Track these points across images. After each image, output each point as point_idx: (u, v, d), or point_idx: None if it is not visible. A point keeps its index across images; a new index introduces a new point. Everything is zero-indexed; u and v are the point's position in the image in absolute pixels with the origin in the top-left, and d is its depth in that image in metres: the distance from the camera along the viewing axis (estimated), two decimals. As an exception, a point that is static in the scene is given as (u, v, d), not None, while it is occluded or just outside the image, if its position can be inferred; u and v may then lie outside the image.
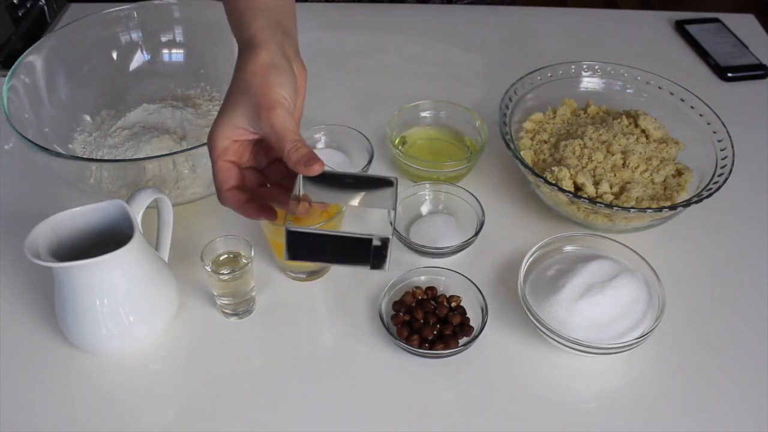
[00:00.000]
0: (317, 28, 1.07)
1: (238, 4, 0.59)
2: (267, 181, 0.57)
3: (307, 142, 0.52)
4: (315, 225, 0.65)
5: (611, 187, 0.74)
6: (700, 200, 0.71)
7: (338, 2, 1.12)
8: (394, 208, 0.57)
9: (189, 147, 0.71)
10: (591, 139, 0.78)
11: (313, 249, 0.53)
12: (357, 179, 0.57)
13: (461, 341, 0.66)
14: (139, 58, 0.90)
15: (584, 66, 0.87)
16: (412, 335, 0.65)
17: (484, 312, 0.67)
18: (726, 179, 0.73)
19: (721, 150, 0.77)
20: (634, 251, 0.69)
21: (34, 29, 1.06)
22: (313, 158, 0.50)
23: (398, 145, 0.84)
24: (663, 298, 0.66)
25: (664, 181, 0.76)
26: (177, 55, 0.91)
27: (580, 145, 0.77)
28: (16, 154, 0.86)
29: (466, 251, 0.75)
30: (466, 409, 0.62)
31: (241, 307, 0.68)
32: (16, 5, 1.04)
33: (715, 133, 0.79)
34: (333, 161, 0.79)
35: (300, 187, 0.56)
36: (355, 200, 0.58)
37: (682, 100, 0.83)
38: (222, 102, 0.55)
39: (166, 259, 0.68)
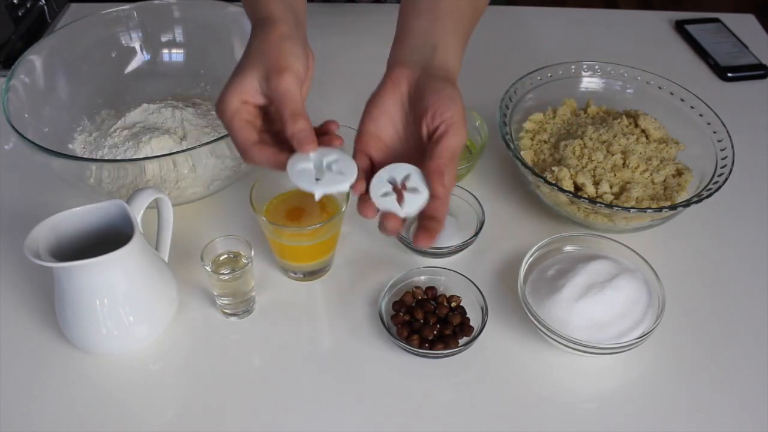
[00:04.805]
0: (317, 28, 1.07)
1: None
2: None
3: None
4: (315, 225, 0.66)
5: (611, 187, 0.74)
6: (700, 200, 0.71)
7: (338, 3, 1.12)
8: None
9: (189, 147, 0.71)
10: (591, 139, 0.78)
11: None
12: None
13: (461, 341, 0.66)
14: (139, 58, 0.90)
15: (584, 66, 0.87)
16: (412, 335, 0.65)
17: (484, 312, 0.67)
18: (726, 179, 0.72)
19: (721, 150, 0.77)
20: (634, 251, 0.69)
21: (34, 29, 1.06)
22: (308, 137, 0.50)
23: (398, 145, 0.84)
24: (663, 298, 0.66)
25: (664, 181, 0.76)
26: (177, 55, 0.91)
27: (580, 145, 0.77)
28: (16, 154, 0.86)
29: (466, 251, 0.75)
30: (466, 409, 0.62)
31: (241, 307, 0.68)
32: (16, 5, 1.04)
33: (715, 133, 0.79)
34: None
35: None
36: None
37: (682, 100, 0.83)
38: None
39: (166, 259, 0.68)
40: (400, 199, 0.51)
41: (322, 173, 0.51)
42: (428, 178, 0.50)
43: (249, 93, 0.52)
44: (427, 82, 0.53)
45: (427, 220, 0.51)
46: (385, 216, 0.51)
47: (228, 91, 0.53)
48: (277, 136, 0.54)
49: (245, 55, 0.54)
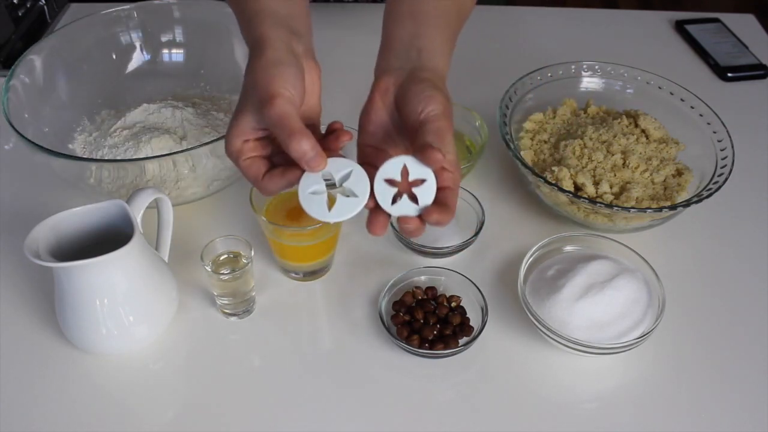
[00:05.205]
0: (317, 27, 1.07)
1: (245, 11, 0.59)
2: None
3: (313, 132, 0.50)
4: (315, 225, 0.65)
5: (611, 187, 0.74)
6: (700, 200, 0.71)
7: (338, 2, 1.12)
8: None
9: (189, 147, 0.71)
10: (591, 139, 0.78)
11: None
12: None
13: (461, 341, 0.66)
14: (139, 58, 0.90)
15: (584, 66, 0.87)
16: (412, 335, 0.65)
17: (484, 312, 0.67)
18: (726, 179, 0.73)
19: (721, 150, 0.77)
20: (634, 251, 0.69)
21: (34, 29, 1.06)
22: (314, 157, 0.49)
23: (398, 145, 0.84)
24: (663, 298, 0.66)
25: (664, 181, 0.76)
26: (177, 55, 0.91)
27: (580, 145, 0.77)
28: (16, 154, 0.86)
29: (466, 251, 0.75)
30: (466, 409, 0.62)
31: (241, 307, 0.68)
32: (16, 5, 1.04)
33: (715, 133, 0.79)
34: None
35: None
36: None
37: (682, 100, 0.83)
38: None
39: (166, 259, 0.68)
40: (410, 196, 0.50)
41: (335, 190, 0.50)
42: (421, 158, 0.49)
43: (246, 132, 0.53)
44: (409, 86, 0.54)
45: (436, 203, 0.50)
46: (403, 220, 0.50)
47: (229, 135, 0.53)
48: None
49: (242, 90, 0.54)
